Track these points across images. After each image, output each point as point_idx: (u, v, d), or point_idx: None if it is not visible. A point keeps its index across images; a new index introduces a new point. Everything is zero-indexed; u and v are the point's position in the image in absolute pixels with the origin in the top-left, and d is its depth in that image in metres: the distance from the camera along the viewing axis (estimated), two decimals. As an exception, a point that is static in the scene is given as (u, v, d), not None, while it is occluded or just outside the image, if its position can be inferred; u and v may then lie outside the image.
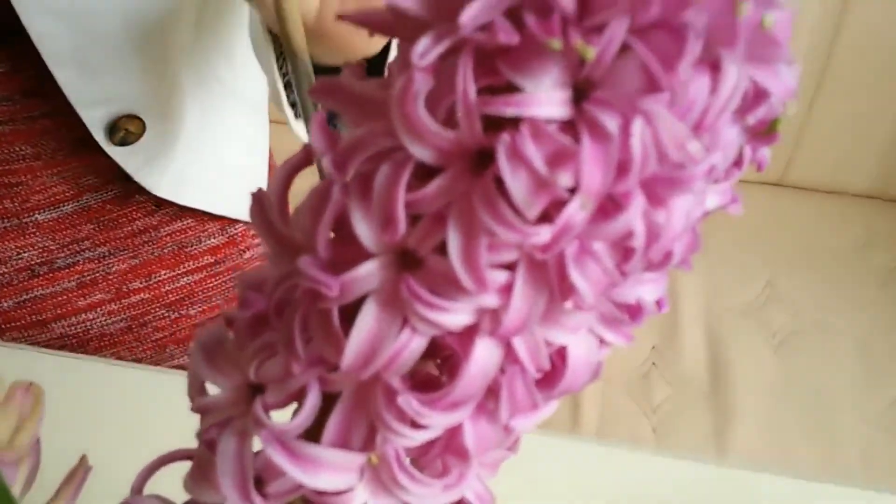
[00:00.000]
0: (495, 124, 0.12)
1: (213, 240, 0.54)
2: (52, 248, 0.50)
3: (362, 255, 0.13)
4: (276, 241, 0.14)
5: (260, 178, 0.57)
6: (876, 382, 0.76)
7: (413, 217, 0.12)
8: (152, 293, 0.53)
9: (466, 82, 0.11)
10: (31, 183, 0.48)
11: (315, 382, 0.13)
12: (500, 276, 0.12)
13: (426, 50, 0.11)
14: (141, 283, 0.53)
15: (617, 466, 0.39)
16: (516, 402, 0.13)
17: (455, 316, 0.12)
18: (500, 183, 0.12)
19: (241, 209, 0.54)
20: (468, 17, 0.10)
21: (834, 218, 0.91)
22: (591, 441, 0.41)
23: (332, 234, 0.13)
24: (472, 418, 0.13)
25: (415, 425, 0.13)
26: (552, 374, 0.14)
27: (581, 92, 0.11)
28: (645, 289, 0.14)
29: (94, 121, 0.44)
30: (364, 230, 0.12)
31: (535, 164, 0.11)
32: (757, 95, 0.12)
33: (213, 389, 0.15)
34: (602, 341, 0.14)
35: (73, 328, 0.52)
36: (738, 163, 0.13)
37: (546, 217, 0.12)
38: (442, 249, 0.12)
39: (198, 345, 0.14)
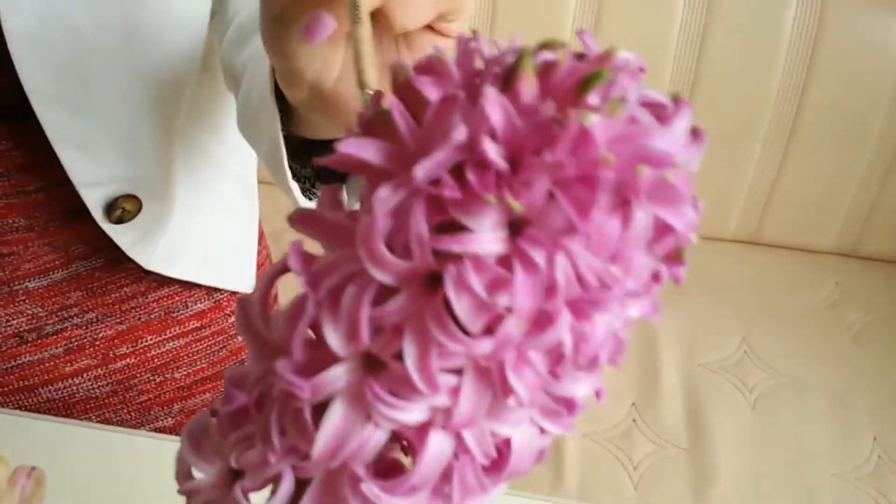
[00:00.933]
0: (445, 253, 0.14)
1: (199, 305, 0.55)
2: (41, 314, 0.51)
3: (332, 358, 0.15)
4: (257, 342, 0.16)
5: (248, 250, 0.58)
6: (851, 437, 0.78)
7: (377, 327, 0.14)
8: (138, 358, 0.54)
9: (419, 224, 0.13)
10: (23, 253, 0.49)
11: (289, 470, 0.15)
12: (450, 380, 0.14)
13: (386, 197, 0.13)
14: (127, 348, 0.53)
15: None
16: (467, 486, 0.15)
17: (412, 414, 0.14)
18: (448, 302, 0.14)
19: (228, 280, 0.55)
20: (420, 173, 0.13)
21: (806, 275, 0.94)
22: (573, 502, 0.42)
23: (310, 334, 0.15)
24: (429, 502, 0.15)
25: (377, 509, 0.15)
26: (499, 460, 0.15)
27: (517, 227, 0.14)
28: (580, 386, 0.16)
29: (94, 200, 0.46)
30: (333, 339, 0.14)
31: (477, 290, 0.13)
32: (664, 229, 0.14)
33: (198, 473, 0.16)
34: (543, 430, 0.16)
35: (59, 392, 0.53)
36: (656, 278, 0.15)
37: (489, 329, 0.14)
38: (402, 355, 0.14)
39: (185, 434, 0.16)
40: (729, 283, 0.92)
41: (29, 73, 0.40)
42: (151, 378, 0.54)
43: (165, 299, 0.54)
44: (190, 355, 0.55)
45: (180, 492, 0.16)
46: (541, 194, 0.13)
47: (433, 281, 0.14)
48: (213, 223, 0.55)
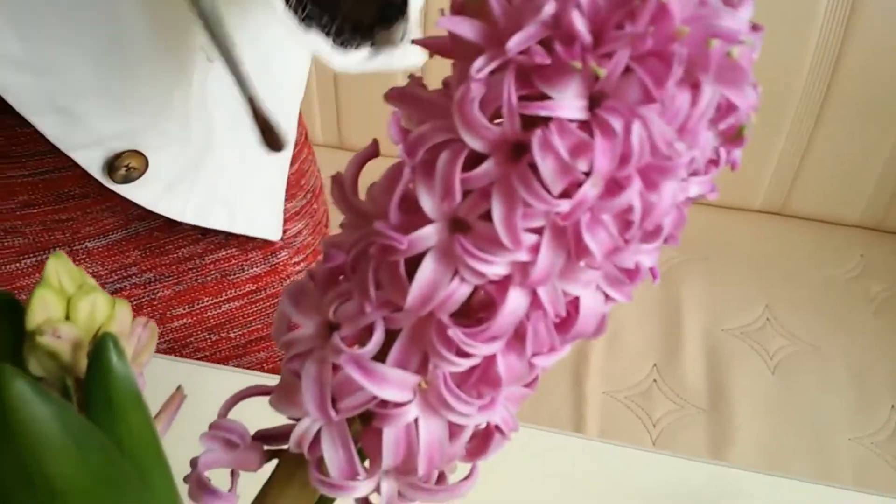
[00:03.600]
0: (531, 123, 0.15)
1: (255, 268, 0.56)
2: (101, 273, 0.52)
3: (423, 221, 0.16)
4: (351, 212, 0.18)
5: (277, 196, 0.56)
6: (868, 406, 0.79)
7: (464, 192, 0.16)
8: (194, 318, 0.55)
9: (510, 91, 0.15)
10: (83, 218, 0.50)
11: (380, 321, 0.17)
12: (531, 238, 0.16)
13: (481, 67, 0.15)
14: (184, 308, 0.55)
15: (620, 463, 0.42)
16: (539, 341, 0.17)
17: (494, 268, 0.16)
18: (532, 167, 0.15)
19: (257, 227, 0.54)
20: (513, 43, 0.14)
21: (831, 247, 0.95)
22: (595, 440, 0.44)
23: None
24: (504, 353, 0.17)
25: (459, 353, 0.17)
26: (567, 320, 0.17)
27: (595, 100, 0.15)
28: (642, 257, 0.17)
29: (91, 163, 0.43)
30: (427, 201, 0.16)
31: (561, 152, 0.15)
32: (727, 108, 0.16)
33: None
34: (607, 297, 0.18)
35: (117, 349, 0.54)
36: (715, 161, 0.17)
37: (567, 193, 0.16)
38: (485, 217, 0.16)
39: (285, 293, 0.18)
40: (755, 253, 0.93)
41: None
42: (207, 336, 0.55)
43: (222, 262, 0.54)
44: (245, 316, 0.56)
45: (279, 345, 0.18)
46: (621, 64, 0.14)
47: (518, 150, 0.16)
48: (242, 166, 0.52)
